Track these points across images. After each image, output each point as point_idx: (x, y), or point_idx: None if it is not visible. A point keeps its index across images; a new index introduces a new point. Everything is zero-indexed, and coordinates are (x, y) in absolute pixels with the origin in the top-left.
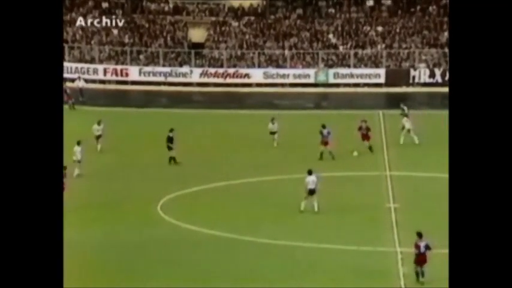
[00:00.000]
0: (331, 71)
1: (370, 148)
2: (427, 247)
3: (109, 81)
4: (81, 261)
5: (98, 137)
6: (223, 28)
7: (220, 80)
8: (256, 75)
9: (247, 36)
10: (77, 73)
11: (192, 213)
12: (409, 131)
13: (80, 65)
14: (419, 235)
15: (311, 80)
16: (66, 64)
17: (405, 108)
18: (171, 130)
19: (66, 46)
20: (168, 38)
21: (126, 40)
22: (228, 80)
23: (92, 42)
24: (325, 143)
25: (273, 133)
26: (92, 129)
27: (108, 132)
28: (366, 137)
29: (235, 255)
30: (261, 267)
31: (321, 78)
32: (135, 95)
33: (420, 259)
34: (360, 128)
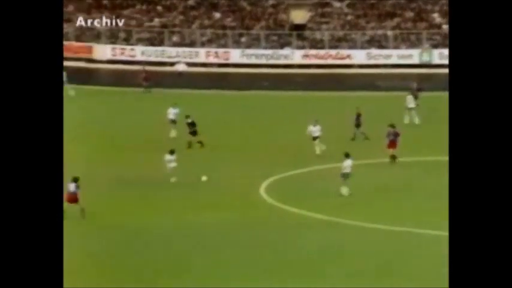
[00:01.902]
0: (436, 52)
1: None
2: None
3: (210, 64)
4: (200, 246)
5: (173, 122)
6: (325, 9)
7: (321, 62)
8: (359, 56)
9: (349, 17)
10: (177, 57)
11: (294, 195)
12: (410, 109)
13: (181, 49)
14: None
15: (415, 61)
16: (166, 48)
17: (415, 85)
18: (188, 116)
19: (166, 31)
20: (270, 20)
21: (228, 23)
22: (330, 61)
23: (193, 26)
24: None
25: (315, 138)
26: (166, 112)
27: (208, 115)
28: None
29: (339, 238)
30: (362, 250)
31: (425, 58)
32: (236, 78)
33: None
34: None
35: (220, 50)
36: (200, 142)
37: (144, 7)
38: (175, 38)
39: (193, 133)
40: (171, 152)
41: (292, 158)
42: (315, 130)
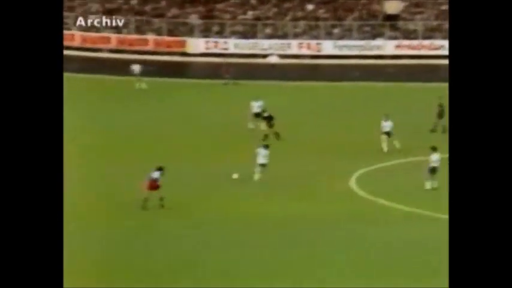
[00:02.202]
0: None
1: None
2: None
3: (302, 56)
4: (298, 241)
5: (257, 115)
6: None
7: (414, 52)
8: None
9: (443, 7)
10: (270, 49)
11: (385, 188)
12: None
13: (273, 41)
14: None
15: None
16: (259, 41)
17: None
18: (265, 110)
19: (259, 23)
20: (363, 11)
21: (321, 14)
22: (423, 52)
23: (286, 18)
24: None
25: (386, 133)
26: (250, 105)
27: (299, 106)
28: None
29: (430, 231)
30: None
31: None
32: (327, 69)
33: None
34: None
35: (313, 42)
36: (277, 134)
37: (238, 0)
38: (268, 30)
39: (271, 126)
40: (266, 147)
41: (377, 151)
42: (386, 125)
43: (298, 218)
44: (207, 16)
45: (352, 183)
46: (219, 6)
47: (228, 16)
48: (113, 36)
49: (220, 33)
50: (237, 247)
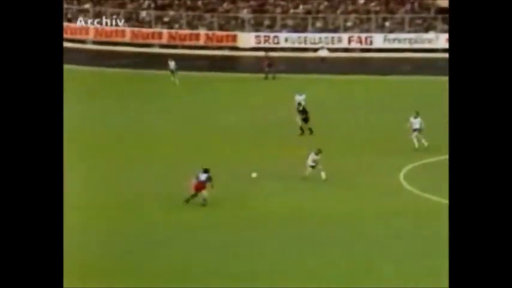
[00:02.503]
0: None
1: None
2: None
3: (353, 49)
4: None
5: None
6: None
7: None
8: None
9: None
10: (320, 43)
11: (435, 183)
12: None
13: (323, 35)
14: None
15: None
16: (309, 34)
17: None
18: (300, 104)
19: (310, 17)
20: (415, 4)
21: (372, 7)
22: None
23: (338, 11)
24: None
25: (415, 130)
26: (294, 100)
27: (348, 100)
28: None
29: None
30: None
31: None
32: (378, 63)
33: None
34: None
35: (363, 35)
36: (310, 129)
37: None
38: (318, 24)
39: (305, 120)
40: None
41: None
42: (415, 122)
43: (349, 214)
44: (258, 10)
45: (401, 178)
46: (271, 0)
47: (279, 10)
48: (165, 31)
49: (271, 27)
50: (283, 244)
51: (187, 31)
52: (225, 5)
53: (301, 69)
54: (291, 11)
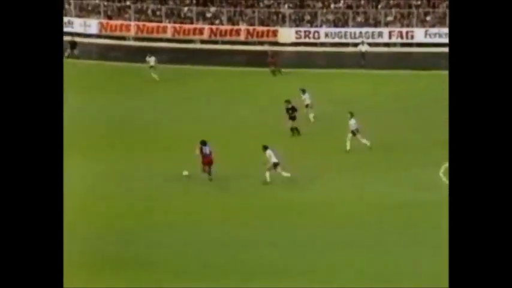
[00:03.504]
0: None
1: None
2: None
3: (393, 44)
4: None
5: (307, 106)
6: None
7: None
8: None
9: None
10: (360, 38)
11: None
12: None
13: (364, 29)
14: None
15: None
16: (349, 29)
17: None
18: (288, 101)
19: (350, 12)
20: None
21: (414, 2)
22: None
23: (379, 6)
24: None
25: (352, 132)
26: (301, 98)
27: (386, 93)
28: None
29: None
30: None
31: None
32: (419, 57)
33: None
34: None
35: (404, 30)
36: (296, 129)
37: None
38: (359, 19)
39: (293, 118)
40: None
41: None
42: (352, 124)
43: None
44: (299, 5)
45: (442, 172)
46: None
47: (319, 5)
48: (206, 27)
49: (311, 23)
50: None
51: (228, 27)
52: (266, 1)
53: (341, 64)
54: (332, 5)
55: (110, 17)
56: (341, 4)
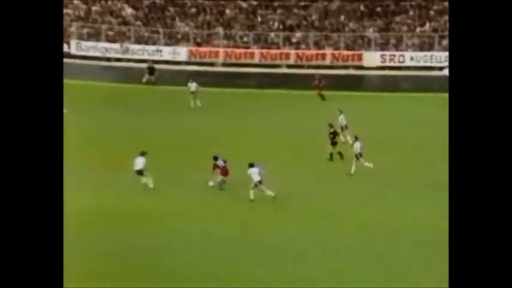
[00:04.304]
0: None
1: None
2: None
3: None
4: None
5: (343, 128)
6: None
7: None
8: None
9: None
10: (446, 61)
11: None
12: None
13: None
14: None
15: None
16: (435, 53)
17: None
18: (331, 125)
19: (436, 35)
20: None
21: None
22: None
23: None
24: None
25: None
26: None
27: None
28: None
29: None
30: None
31: None
32: None
33: None
34: None
35: None
36: (339, 153)
37: (416, 12)
38: (445, 42)
39: (334, 144)
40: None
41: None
42: (356, 146)
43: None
44: (384, 29)
45: None
46: (397, 18)
47: (405, 28)
48: (292, 51)
49: (397, 46)
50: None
51: (313, 51)
52: (351, 25)
53: (427, 88)
54: (418, 29)
55: (199, 44)
56: (426, 27)
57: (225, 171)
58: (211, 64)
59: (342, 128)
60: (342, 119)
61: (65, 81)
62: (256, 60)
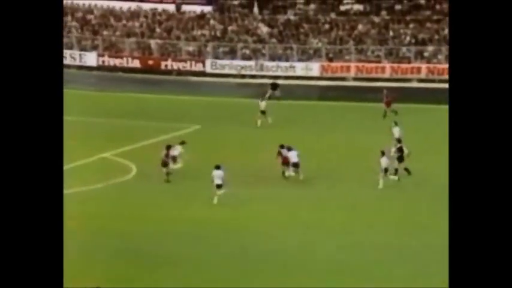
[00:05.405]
0: None
1: None
2: None
3: None
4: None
5: (398, 141)
6: None
7: None
8: None
9: None
10: None
11: None
12: None
13: None
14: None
15: None
16: None
17: None
18: (399, 140)
19: None
20: None
21: None
22: None
23: None
24: None
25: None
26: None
27: None
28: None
29: None
30: None
31: None
32: None
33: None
34: None
35: None
36: (406, 169)
37: None
38: None
39: (400, 159)
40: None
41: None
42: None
43: None
44: None
45: None
46: None
47: None
48: (423, 65)
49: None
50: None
51: (445, 65)
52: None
53: None
54: None
55: (330, 59)
56: None
57: (285, 160)
58: (343, 79)
59: (398, 141)
60: (396, 131)
61: (199, 98)
62: (387, 75)
